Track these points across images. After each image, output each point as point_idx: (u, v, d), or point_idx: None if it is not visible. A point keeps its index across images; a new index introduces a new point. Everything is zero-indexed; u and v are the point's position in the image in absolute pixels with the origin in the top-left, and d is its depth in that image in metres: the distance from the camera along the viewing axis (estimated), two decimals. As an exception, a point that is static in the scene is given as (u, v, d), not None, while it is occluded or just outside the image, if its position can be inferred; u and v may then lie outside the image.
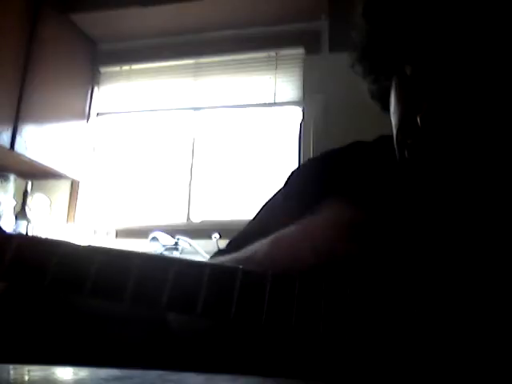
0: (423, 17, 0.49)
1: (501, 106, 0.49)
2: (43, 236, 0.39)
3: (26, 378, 0.30)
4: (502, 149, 0.50)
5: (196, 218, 2.46)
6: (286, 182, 0.67)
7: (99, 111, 2.74)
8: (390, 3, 0.52)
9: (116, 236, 2.45)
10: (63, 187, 2.64)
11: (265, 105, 2.52)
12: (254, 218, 0.65)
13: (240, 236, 0.63)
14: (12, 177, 2.41)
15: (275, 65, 2.53)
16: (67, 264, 0.36)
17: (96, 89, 2.75)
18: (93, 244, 0.37)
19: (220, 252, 0.62)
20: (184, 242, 2.21)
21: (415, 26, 0.50)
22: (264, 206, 0.66)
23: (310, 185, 0.64)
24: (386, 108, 0.58)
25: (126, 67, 2.75)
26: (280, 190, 0.67)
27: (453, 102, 0.48)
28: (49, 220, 2.50)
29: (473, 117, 0.48)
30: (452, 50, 0.48)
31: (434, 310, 0.40)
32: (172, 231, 2.24)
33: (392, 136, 0.56)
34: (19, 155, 2.27)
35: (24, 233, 2.31)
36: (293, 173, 0.68)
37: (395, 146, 0.55)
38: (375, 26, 0.54)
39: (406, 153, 0.53)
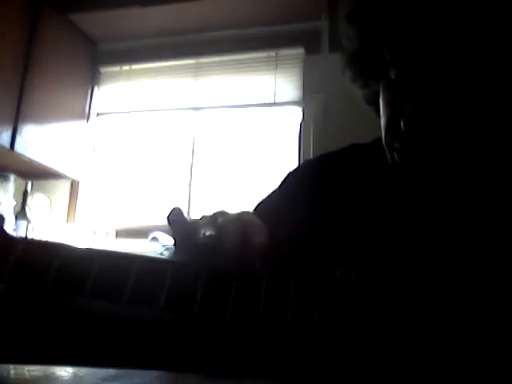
0: (406, 21, 0.49)
1: (482, 108, 0.49)
2: (44, 239, 0.39)
3: (26, 378, 0.30)
4: (485, 150, 0.50)
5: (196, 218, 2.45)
6: (283, 182, 0.68)
7: (99, 111, 2.74)
8: (373, 8, 0.52)
9: (116, 236, 2.45)
10: (63, 187, 2.64)
11: (265, 105, 2.52)
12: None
13: None
14: (12, 177, 2.41)
15: (275, 65, 2.53)
16: (68, 267, 0.36)
17: (96, 89, 2.75)
18: (92, 246, 0.37)
19: None
20: (184, 241, 2.20)
21: (398, 29, 0.50)
22: (259, 204, 0.67)
23: (305, 186, 0.64)
24: (379, 113, 0.58)
25: (126, 67, 2.75)
26: (276, 189, 0.67)
27: (435, 106, 0.49)
28: (49, 220, 2.50)
29: (455, 120, 0.49)
30: (435, 53, 0.49)
31: (424, 311, 0.40)
32: (172, 231, 2.24)
33: None
34: (19, 155, 2.27)
35: (24, 233, 2.31)
36: (289, 174, 0.69)
37: (385, 149, 0.55)
38: (359, 31, 0.54)
39: (395, 156, 0.53)
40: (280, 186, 0.68)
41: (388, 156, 0.55)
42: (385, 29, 0.51)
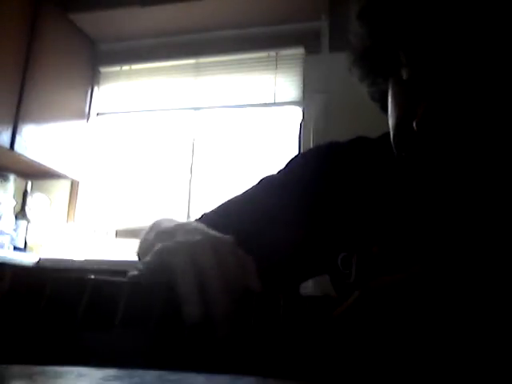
0: (418, 21, 0.49)
1: (495, 109, 0.49)
2: (35, 266, 0.40)
3: (27, 377, 0.30)
4: (498, 151, 0.50)
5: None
6: (288, 163, 0.68)
7: (99, 111, 2.74)
8: (386, 6, 0.52)
9: (116, 236, 2.45)
10: (63, 187, 2.65)
11: (265, 105, 2.52)
12: (249, 190, 0.66)
13: (231, 204, 0.64)
14: (12, 177, 2.41)
15: (275, 65, 2.53)
16: (58, 296, 0.37)
17: (96, 89, 2.75)
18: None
19: (207, 216, 0.63)
20: (184, 241, 2.20)
21: (410, 29, 0.50)
22: (261, 180, 0.67)
23: (310, 172, 0.65)
24: (385, 109, 0.58)
25: (125, 67, 2.75)
26: (280, 171, 0.68)
27: (449, 107, 0.48)
28: (49, 220, 2.50)
29: (469, 122, 0.48)
30: (448, 54, 0.48)
31: (430, 307, 0.40)
32: (172, 231, 2.24)
33: None
34: (19, 155, 2.27)
35: (24, 233, 2.31)
36: (296, 156, 0.69)
37: (393, 148, 0.55)
38: (371, 30, 0.54)
39: (403, 154, 0.53)
40: (285, 168, 0.68)
41: (395, 154, 0.55)
42: (398, 28, 0.50)
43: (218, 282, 0.39)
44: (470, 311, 0.36)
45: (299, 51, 2.48)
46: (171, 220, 0.51)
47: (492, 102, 0.49)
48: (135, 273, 0.44)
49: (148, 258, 0.43)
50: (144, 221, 2.50)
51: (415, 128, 0.49)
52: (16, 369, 0.32)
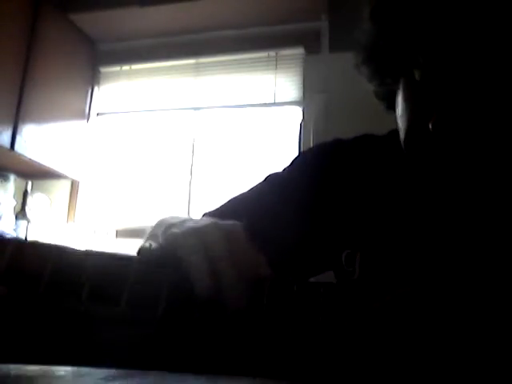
0: (433, 21, 0.48)
1: None
2: (39, 240, 0.38)
3: (26, 377, 0.30)
4: None
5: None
6: (293, 161, 0.68)
7: (99, 111, 2.74)
8: (398, 6, 0.51)
9: (116, 236, 2.44)
10: (63, 187, 2.64)
11: (265, 105, 2.52)
12: (254, 187, 0.66)
13: (236, 201, 0.65)
14: (12, 177, 2.41)
15: (275, 65, 2.53)
16: (62, 270, 0.35)
17: (96, 89, 2.75)
18: (91, 246, 0.37)
19: (211, 213, 0.63)
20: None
21: (424, 29, 0.49)
22: (266, 178, 0.67)
23: (312, 168, 0.65)
24: (391, 108, 0.58)
25: (125, 67, 2.75)
26: (285, 168, 0.68)
27: (465, 108, 0.48)
28: (49, 220, 2.50)
29: (485, 121, 0.48)
30: (463, 55, 0.47)
31: (431, 306, 0.40)
32: (172, 231, 2.24)
33: None
34: (19, 155, 2.27)
35: (24, 233, 2.31)
36: (300, 154, 0.70)
37: (403, 147, 0.55)
38: (383, 29, 0.53)
39: (414, 154, 0.53)
40: (291, 165, 0.68)
41: (406, 154, 0.55)
42: (413, 28, 0.49)
43: (228, 261, 0.37)
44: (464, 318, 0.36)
45: (299, 51, 2.47)
46: (178, 217, 0.51)
47: (510, 103, 0.48)
48: (147, 246, 0.43)
49: (156, 243, 0.42)
50: (144, 221, 2.50)
51: (431, 129, 0.48)
52: (16, 369, 0.32)
